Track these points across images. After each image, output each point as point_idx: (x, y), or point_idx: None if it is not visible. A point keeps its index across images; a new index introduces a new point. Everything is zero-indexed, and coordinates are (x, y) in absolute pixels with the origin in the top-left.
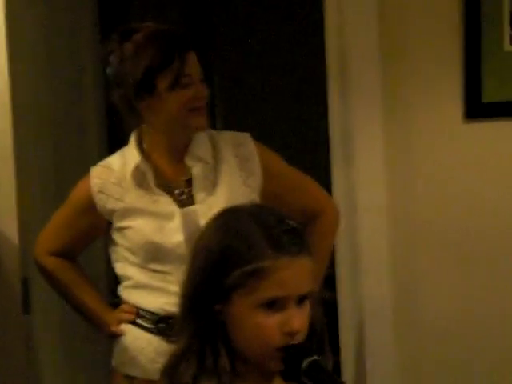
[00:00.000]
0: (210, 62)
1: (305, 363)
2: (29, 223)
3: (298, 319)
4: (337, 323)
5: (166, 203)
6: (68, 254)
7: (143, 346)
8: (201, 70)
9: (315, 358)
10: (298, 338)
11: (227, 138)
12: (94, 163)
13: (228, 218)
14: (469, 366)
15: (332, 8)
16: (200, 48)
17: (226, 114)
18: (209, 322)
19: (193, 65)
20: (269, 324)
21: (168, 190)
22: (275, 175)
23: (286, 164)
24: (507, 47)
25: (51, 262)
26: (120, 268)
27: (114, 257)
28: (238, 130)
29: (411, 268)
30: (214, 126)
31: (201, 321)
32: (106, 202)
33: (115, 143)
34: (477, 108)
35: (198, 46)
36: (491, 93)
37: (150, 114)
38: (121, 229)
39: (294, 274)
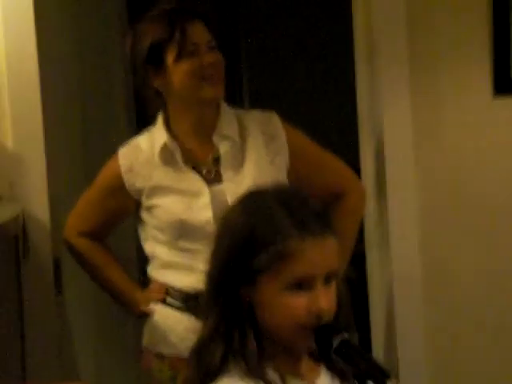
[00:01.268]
0: (236, 40)
1: (335, 341)
2: (59, 204)
3: (326, 299)
4: (366, 300)
5: (194, 181)
6: (97, 234)
7: (173, 324)
8: (210, 39)
9: (345, 336)
10: (327, 318)
11: (254, 116)
12: (122, 143)
13: (252, 200)
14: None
15: None
16: (207, 19)
17: (253, 94)
18: (235, 304)
19: (198, 34)
20: (297, 304)
21: (196, 168)
22: (301, 153)
23: (312, 142)
24: None
25: (81, 243)
26: (149, 247)
27: (142, 236)
28: (264, 105)
29: (441, 244)
30: (240, 101)
31: (227, 303)
32: (134, 181)
33: (143, 124)
34: (506, 83)
35: (204, 17)
36: None
37: (166, 90)
38: (149, 207)
39: (320, 253)
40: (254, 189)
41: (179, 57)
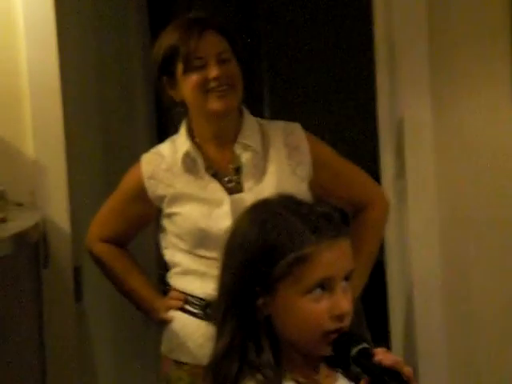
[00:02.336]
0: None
1: (354, 350)
2: (79, 213)
3: (346, 301)
4: (386, 308)
5: (215, 189)
6: (119, 240)
7: (192, 332)
8: (222, 51)
9: (365, 345)
10: (347, 321)
11: (278, 127)
12: (143, 152)
13: (260, 211)
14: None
15: None
16: (224, 29)
17: (274, 103)
18: (251, 317)
19: (207, 46)
20: (318, 309)
21: (217, 176)
22: (324, 165)
23: (336, 154)
24: None
25: (103, 249)
26: (169, 254)
27: (163, 243)
28: (285, 119)
29: (460, 253)
30: (261, 115)
31: (243, 317)
32: (156, 188)
33: (164, 134)
34: None
35: (220, 27)
36: None
37: (181, 100)
38: (170, 215)
39: (337, 255)
40: (256, 201)
41: (185, 70)
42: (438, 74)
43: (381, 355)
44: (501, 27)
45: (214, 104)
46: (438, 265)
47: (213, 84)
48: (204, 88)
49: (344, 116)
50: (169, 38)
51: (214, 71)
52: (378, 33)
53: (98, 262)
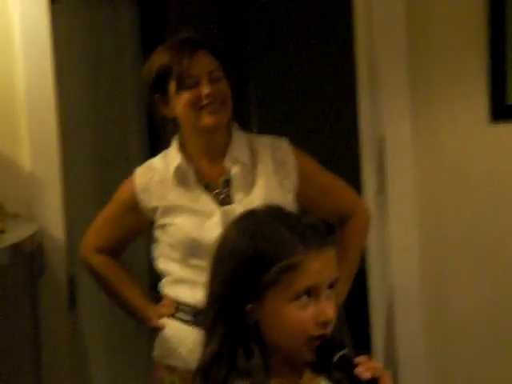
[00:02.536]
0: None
1: (336, 356)
2: (74, 225)
3: (330, 309)
4: (367, 313)
5: (206, 201)
6: (113, 251)
7: (183, 338)
8: (212, 70)
9: (346, 351)
10: (330, 328)
11: (265, 141)
12: (135, 166)
13: (249, 222)
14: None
15: (361, 16)
16: (214, 49)
17: (261, 116)
18: (240, 323)
19: (199, 66)
20: (304, 315)
21: (207, 189)
22: (310, 178)
23: (321, 167)
24: None
25: (97, 259)
26: (161, 264)
27: (155, 253)
28: (272, 129)
29: (438, 260)
30: (249, 127)
31: (232, 323)
32: (149, 200)
33: (156, 149)
34: (502, 109)
35: (210, 48)
36: None
37: (173, 117)
38: (163, 226)
39: (323, 263)
40: (245, 212)
41: (178, 88)
42: (418, 93)
43: (361, 367)
44: (478, 48)
45: (206, 120)
46: (416, 273)
47: (205, 101)
48: (197, 105)
49: (328, 133)
50: (161, 58)
51: (206, 89)
52: (359, 55)
53: (92, 271)
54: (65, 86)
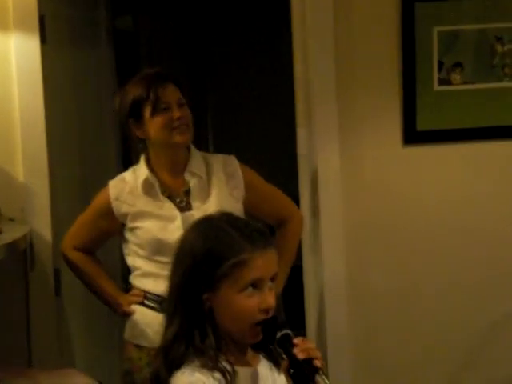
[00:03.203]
0: (204, 96)
1: (279, 335)
2: (59, 227)
3: (271, 298)
4: (302, 302)
5: (169, 208)
6: (89, 249)
7: (150, 322)
8: (179, 97)
9: (287, 331)
10: (271, 313)
11: (218, 159)
12: (112, 178)
13: (206, 225)
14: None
15: (298, 60)
16: (178, 81)
17: (216, 136)
18: (197, 309)
19: (169, 94)
20: (250, 304)
21: (170, 198)
22: (254, 188)
23: (263, 180)
24: (436, 88)
25: (75, 256)
26: (131, 260)
27: (125, 251)
28: (226, 149)
29: (361, 256)
30: (206, 147)
31: (190, 309)
32: (121, 207)
33: (128, 164)
34: (412, 135)
35: (175, 80)
36: (424, 123)
37: (146, 137)
38: (132, 229)
39: (266, 260)
40: (202, 217)
41: (153, 112)
42: (344, 119)
43: (298, 348)
44: (393, 85)
45: (178, 138)
46: (343, 269)
47: (176, 123)
48: (169, 126)
49: (272, 157)
50: (136, 88)
51: (177, 113)
52: (297, 94)
53: (71, 266)
54: (53, 110)
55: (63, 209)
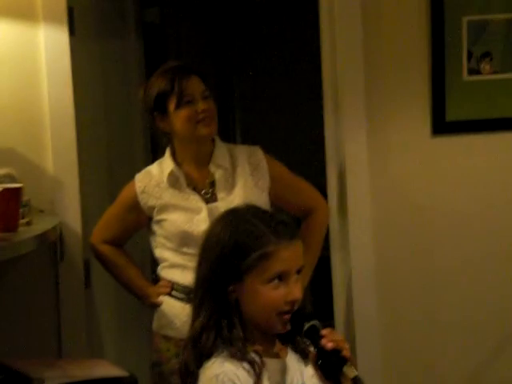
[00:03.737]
0: (231, 88)
1: (307, 325)
2: (88, 218)
3: (297, 290)
4: (331, 293)
5: (195, 200)
6: (117, 242)
7: (178, 313)
8: (204, 90)
9: (315, 322)
10: (297, 305)
11: (242, 150)
12: (138, 171)
13: (232, 217)
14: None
15: (326, 55)
16: (202, 73)
17: (243, 132)
18: (224, 300)
19: (194, 86)
20: (276, 295)
21: (196, 190)
22: (279, 179)
23: (288, 170)
24: (466, 78)
25: (104, 249)
26: (158, 252)
27: (153, 244)
28: (253, 142)
29: (389, 248)
30: (234, 140)
31: (217, 300)
32: (147, 200)
33: (155, 158)
34: (442, 125)
35: (199, 72)
36: (453, 113)
37: (171, 130)
38: (159, 221)
39: (292, 253)
40: (229, 209)
41: (178, 105)
42: (372, 111)
43: (326, 338)
44: (421, 76)
45: (203, 131)
46: (371, 260)
47: (201, 115)
48: (194, 119)
49: (301, 149)
50: (161, 81)
51: (201, 105)
52: (325, 85)
53: (100, 259)
54: (82, 103)
55: (92, 201)
